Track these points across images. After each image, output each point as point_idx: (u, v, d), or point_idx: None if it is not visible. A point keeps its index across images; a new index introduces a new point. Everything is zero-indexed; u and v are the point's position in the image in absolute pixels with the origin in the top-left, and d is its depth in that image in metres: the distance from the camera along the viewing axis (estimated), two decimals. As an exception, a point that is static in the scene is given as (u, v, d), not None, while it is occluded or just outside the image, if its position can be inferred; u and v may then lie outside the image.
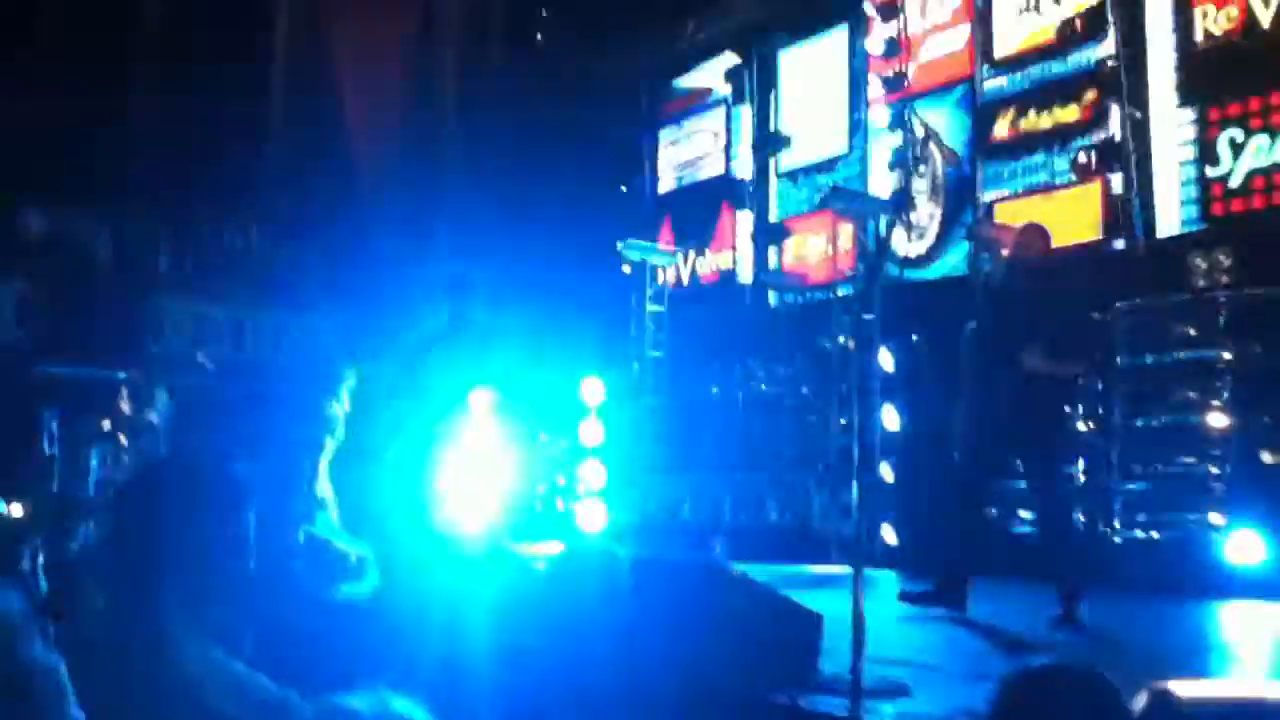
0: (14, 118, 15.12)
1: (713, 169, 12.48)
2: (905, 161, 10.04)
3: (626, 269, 11.28)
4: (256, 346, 11.57)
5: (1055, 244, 8.58)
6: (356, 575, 6.03)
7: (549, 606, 3.95)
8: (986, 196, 9.61)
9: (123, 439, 9.25)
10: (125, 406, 9.34)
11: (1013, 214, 9.19)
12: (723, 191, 12.26)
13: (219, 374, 8.87)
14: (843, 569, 6.62)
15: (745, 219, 11.97)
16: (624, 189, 12.63)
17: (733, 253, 12.05)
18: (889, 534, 7.43)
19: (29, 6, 14.83)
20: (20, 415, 10.62)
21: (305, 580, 5.11)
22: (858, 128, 10.94)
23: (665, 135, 13.13)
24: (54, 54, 15.31)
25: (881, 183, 10.42)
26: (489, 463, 7.25)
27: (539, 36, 13.78)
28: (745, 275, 11.88)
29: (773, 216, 11.77)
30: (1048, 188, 9.14)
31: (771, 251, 11.65)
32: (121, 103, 14.91)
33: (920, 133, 10.06)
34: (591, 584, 4.07)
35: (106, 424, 9.28)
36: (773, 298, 11.50)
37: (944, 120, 10.09)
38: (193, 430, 8.93)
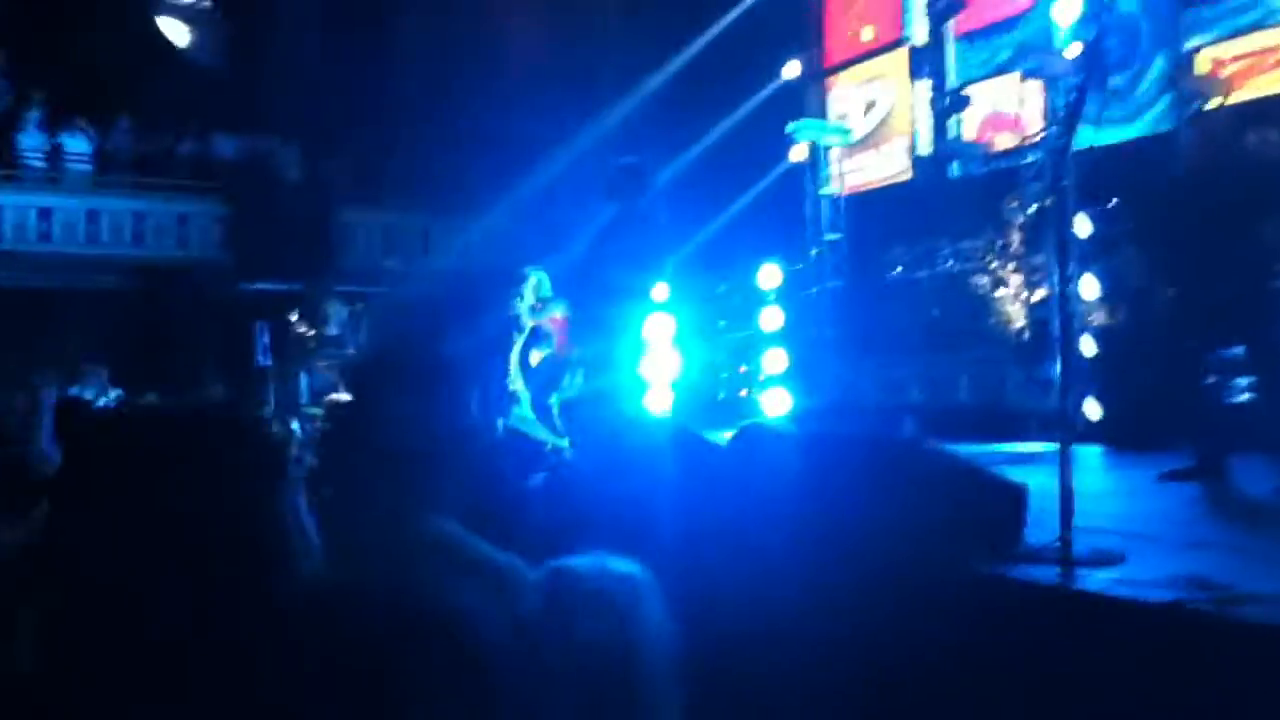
0: (203, 49, 15.86)
1: (885, 37, 11.94)
2: (1096, 13, 9.32)
3: (799, 153, 11.00)
4: (443, 252, 11.93)
5: (1267, 90, 7.99)
6: (551, 463, 6.27)
7: (734, 482, 4.00)
8: (1189, 43, 8.86)
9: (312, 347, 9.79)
10: (310, 318, 9.85)
11: (1217, 60, 8.49)
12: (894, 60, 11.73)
13: (408, 278, 9.21)
14: (1040, 446, 6.42)
15: (923, 88, 11.44)
16: (793, 67, 12.20)
17: (910, 124, 11.57)
18: (1092, 408, 7.12)
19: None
20: (233, 330, 11.38)
21: (505, 469, 5.35)
22: (1038, -22, 10.21)
23: (831, 5, 12.60)
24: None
25: (1067, 39, 9.73)
26: (670, 351, 7.34)
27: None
28: (924, 147, 11.41)
29: (951, 83, 11.20)
30: (1256, 28, 8.35)
31: (950, 120, 11.12)
32: (302, 34, 15.42)
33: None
34: (774, 459, 4.10)
35: (305, 332, 9.83)
36: (955, 168, 11.02)
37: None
38: (390, 332, 9.37)
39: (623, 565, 1.73)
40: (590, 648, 1.64)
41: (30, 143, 13.11)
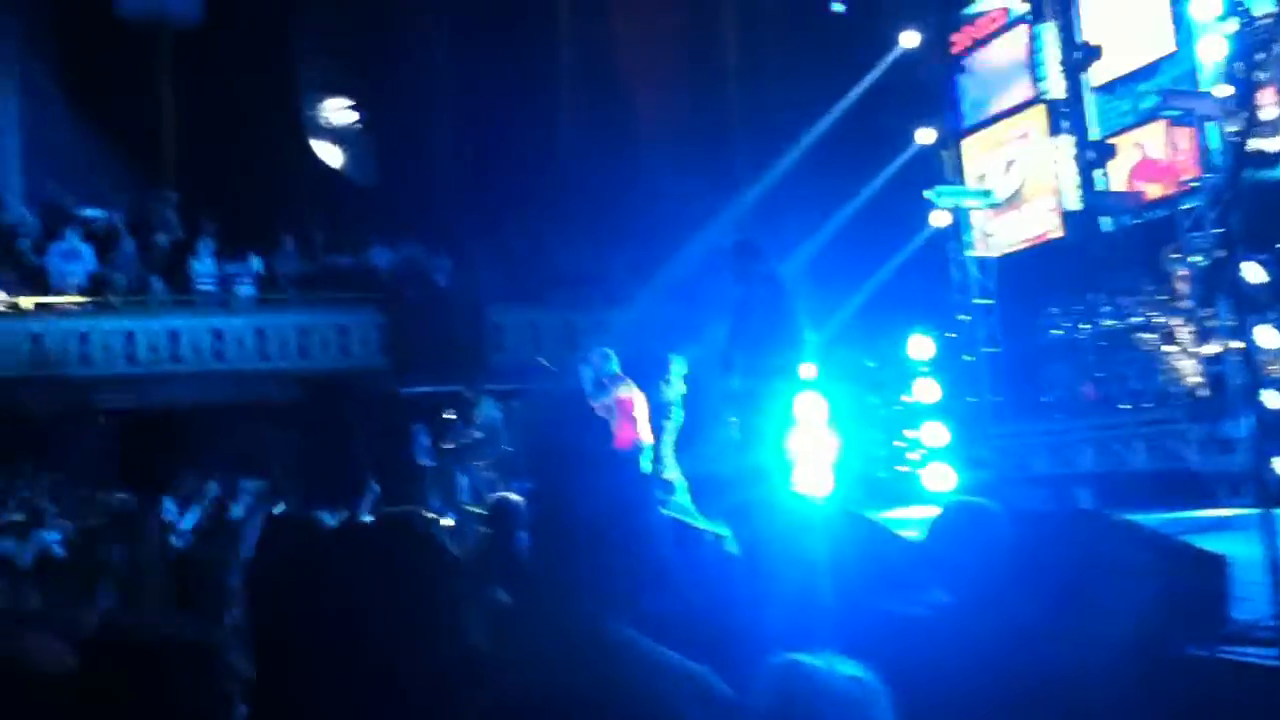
0: (354, 166, 16.77)
1: (1020, 95, 11.74)
2: (1247, 48, 8.96)
3: (940, 218, 10.83)
4: (588, 344, 12.10)
5: None
6: (715, 554, 6.20)
7: (932, 570, 3.85)
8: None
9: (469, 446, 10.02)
10: (465, 418, 10.11)
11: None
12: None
13: (559, 373, 9.38)
14: (1229, 511, 6.03)
15: (1065, 143, 11.17)
16: (926, 133, 12.10)
17: (1054, 180, 11.28)
18: (1283, 466, 6.66)
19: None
20: (393, 433, 11.79)
21: (671, 563, 5.31)
22: (1179, 22, 9.90)
23: (962, 67, 12.48)
24: (373, 104, 16.83)
25: (1214, 79, 9.37)
26: (823, 432, 7.22)
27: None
28: (1072, 202, 11.10)
29: (1093, 135, 10.90)
30: None
31: (1097, 173, 10.80)
32: (447, 143, 16.18)
33: (1270, 8, 8.94)
34: (974, 543, 3.93)
35: (462, 432, 10.09)
36: (1106, 222, 10.66)
37: (1285, -2, 8.92)
38: (542, 429, 9.55)
39: (852, 667, 1.70)
40: None
41: (202, 269, 14.01)
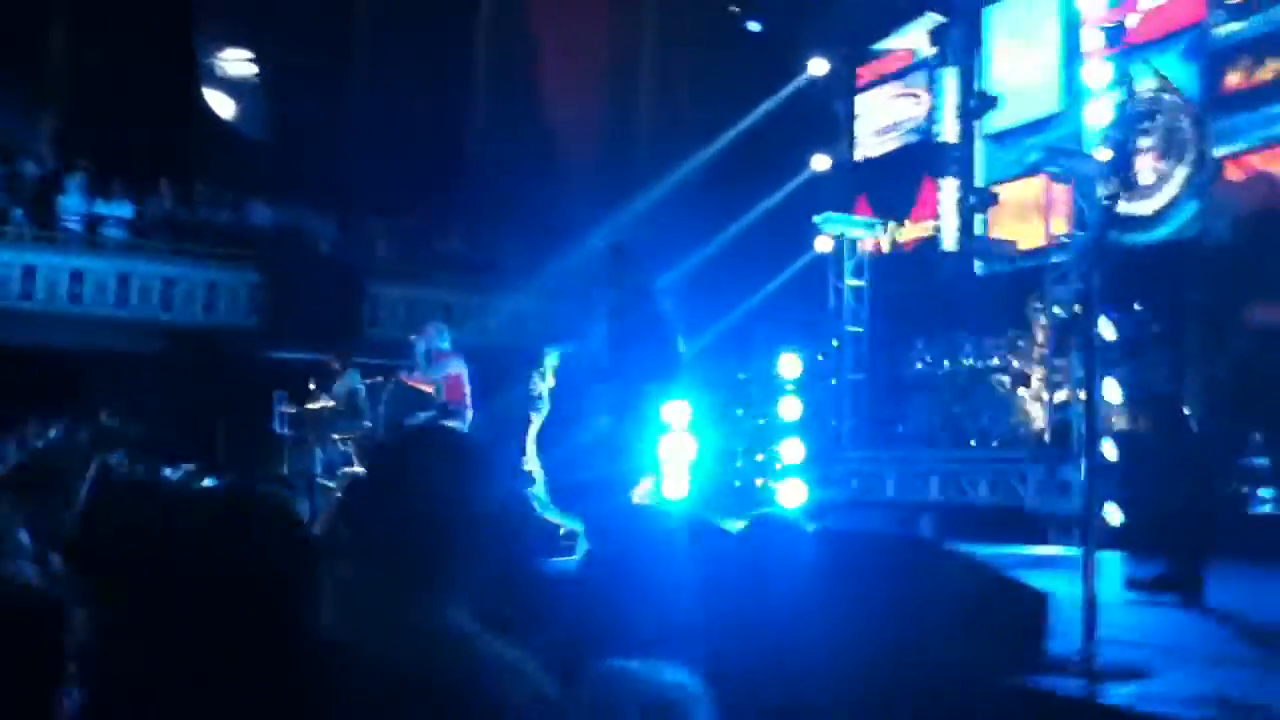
0: (247, 120, 16.25)
1: (914, 135, 12.07)
2: (1130, 117, 9.39)
3: (823, 244, 11.06)
4: (466, 328, 11.98)
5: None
6: (567, 548, 6.19)
7: (744, 575, 3.90)
8: (1218, 152, 8.90)
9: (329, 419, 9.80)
10: (328, 390, 9.89)
11: (1247, 170, 8.52)
12: (924, 158, 11.83)
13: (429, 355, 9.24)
14: (1059, 550, 6.30)
15: (950, 185, 11.52)
16: (820, 160, 12.35)
17: (935, 221, 11.63)
18: (1113, 514, 7.00)
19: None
20: (253, 397, 11.43)
21: (520, 553, 5.27)
22: (1070, 85, 10.33)
23: (863, 102, 12.78)
24: (276, 61, 16.36)
25: (1097, 141, 9.80)
26: (686, 439, 7.28)
27: (732, 6, 13.64)
28: (949, 244, 11.45)
29: (978, 181, 11.28)
30: (1287, 140, 8.39)
31: (977, 219, 11.17)
32: (343, 109, 15.80)
33: (1153, 84, 9.40)
34: (783, 557, 4.00)
35: (323, 404, 9.84)
36: (979, 267, 11.04)
37: (1168, 71, 9.41)
38: (405, 407, 9.39)
39: (676, 673, 1.69)
40: None
41: (70, 205, 13.37)
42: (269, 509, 1.79)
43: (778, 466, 9.37)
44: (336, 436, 9.59)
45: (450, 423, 8.46)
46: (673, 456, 7.01)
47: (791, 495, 9.09)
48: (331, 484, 8.93)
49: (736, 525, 4.60)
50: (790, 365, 9.60)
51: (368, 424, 9.59)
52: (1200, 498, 5.02)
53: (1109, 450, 6.91)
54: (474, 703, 1.72)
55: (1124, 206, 9.18)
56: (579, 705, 1.72)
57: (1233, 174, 8.58)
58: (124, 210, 13.67)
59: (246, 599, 1.59)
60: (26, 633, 1.50)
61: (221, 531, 1.66)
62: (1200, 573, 4.84)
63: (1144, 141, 9.46)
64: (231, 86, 16.55)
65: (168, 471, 8.07)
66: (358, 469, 8.80)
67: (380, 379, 9.84)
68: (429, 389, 8.90)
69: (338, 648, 1.75)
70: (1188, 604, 4.76)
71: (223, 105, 16.45)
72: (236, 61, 16.63)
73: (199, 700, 1.49)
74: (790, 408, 9.44)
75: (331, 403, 9.72)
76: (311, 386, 9.99)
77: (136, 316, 13.24)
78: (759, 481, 9.64)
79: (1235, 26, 8.90)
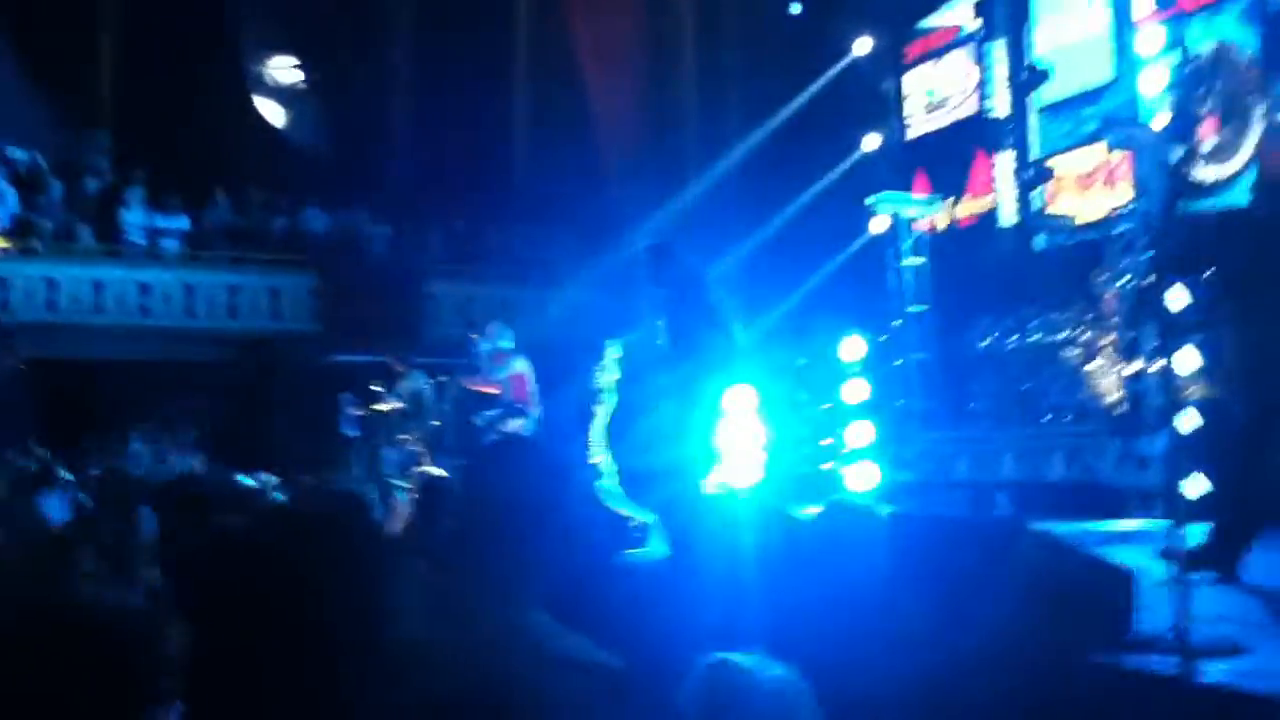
0: (297, 127, 16.47)
1: (966, 110, 11.93)
2: (1187, 80, 9.20)
3: (879, 224, 10.97)
4: (520, 324, 12.07)
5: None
6: (639, 540, 6.21)
7: (819, 564, 3.90)
8: (1280, 117, 8.68)
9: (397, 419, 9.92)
10: (393, 390, 10.02)
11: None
12: (978, 133, 11.70)
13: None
14: (1139, 524, 6.20)
15: (1005, 159, 11.37)
16: (872, 140, 12.25)
17: (993, 196, 11.49)
18: (1193, 486, 6.86)
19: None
20: (319, 401, 11.61)
21: (593, 550, 5.31)
22: (1122, 52, 10.14)
23: (912, 79, 12.64)
24: (323, 66, 16.55)
25: (1153, 110, 9.61)
26: (753, 425, 7.27)
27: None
28: (1008, 219, 11.31)
29: (1034, 154, 11.12)
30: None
31: (1034, 192, 11.02)
32: (393, 111, 15.96)
33: (1209, 48, 9.19)
34: (857, 543, 3.99)
35: (389, 406, 9.97)
36: (1040, 240, 10.88)
37: (1225, 35, 9.19)
38: (470, 406, 9.49)
39: (779, 667, 1.72)
40: None
41: (132, 220, 13.65)
42: (351, 514, 1.83)
43: (845, 451, 9.31)
44: (404, 437, 9.72)
45: (516, 420, 8.55)
46: (742, 444, 7.00)
47: (861, 479, 9.04)
48: (403, 483, 9.05)
49: (808, 512, 4.60)
50: (853, 348, 9.54)
51: (434, 423, 9.71)
52: (1246, 469, 4.93)
53: (1186, 421, 6.77)
54: (555, 701, 1.75)
55: (1196, 172, 9.02)
56: (689, 699, 1.75)
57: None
58: (180, 223, 13.93)
59: (335, 604, 1.63)
60: (114, 652, 1.54)
61: (309, 540, 1.70)
62: (1238, 547, 4.69)
63: (1204, 108, 9.26)
64: (280, 94, 16.77)
65: (244, 479, 8.21)
66: (430, 468, 8.91)
67: (444, 378, 9.96)
68: (494, 390, 8.99)
69: (421, 648, 1.78)
70: (1225, 580, 4.62)
71: (273, 112, 16.68)
72: (284, 69, 16.85)
73: (292, 707, 1.53)
74: (855, 390, 9.37)
75: (398, 404, 9.85)
76: (376, 388, 10.13)
77: (204, 326, 13.49)
78: (827, 467, 9.59)
79: (1295, -13, 8.68)
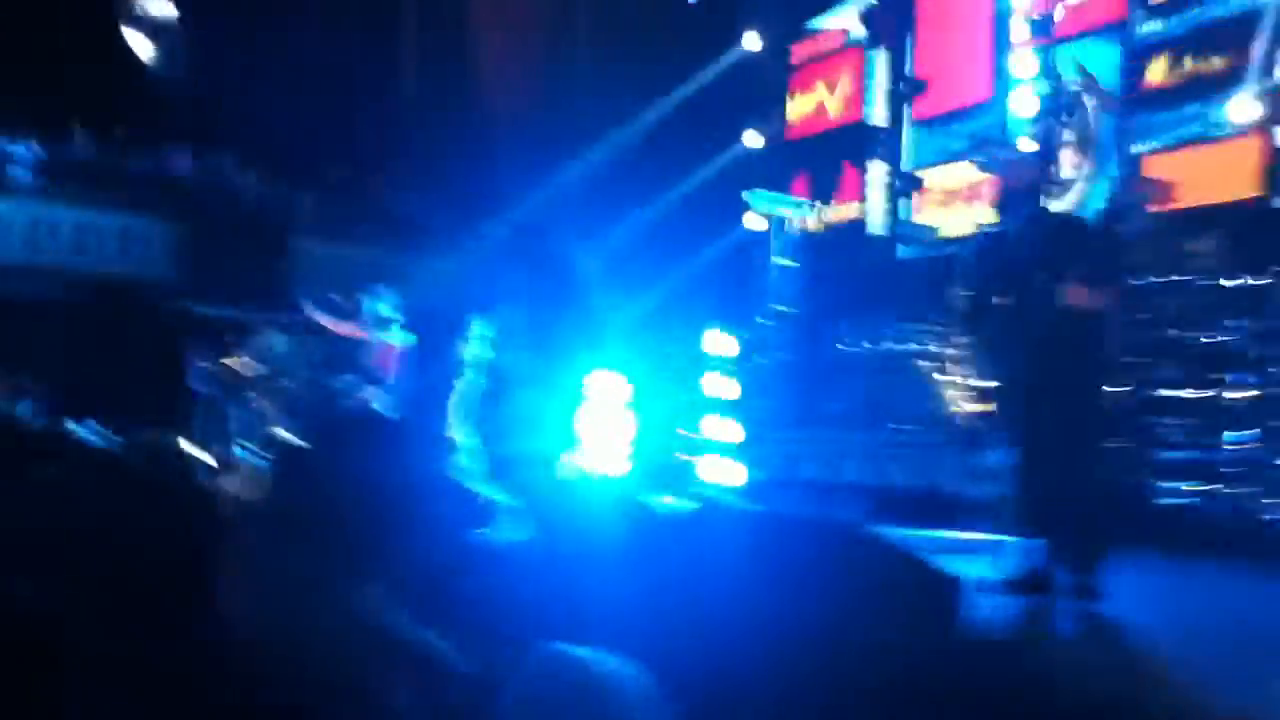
0: (168, 64, 15.72)
1: (845, 117, 12.19)
2: (1055, 110, 9.60)
3: (754, 221, 11.14)
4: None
5: (1208, 198, 8.28)
6: (486, 519, 6.19)
7: (674, 559, 3.96)
8: (1136, 148, 9.16)
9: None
10: (247, 347, 9.74)
11: (1164, 167, 8.79)
12: (855, 139, 11.98)
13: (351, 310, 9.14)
14: (976, 536, 6.47)
15: (877, 169, 11.67)
16: (753, 137, 12.41)
17: (862, 204, 11.78)
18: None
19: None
20: (169, 352, 11.17)
21: (440, 522, 5.26)
22: (999, 74, 10.52)
23: (797, 79, 12.85)
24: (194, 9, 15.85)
25: (1021, 131, 10.01)
26: (616, 415, 7.32)
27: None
28: (875, 227, 11.62)
29: (905, 165, 11.45)
30: (1202, 140, 8.68)
31: (902, 203, 11.35)
32: (263, 57, 15.35)
33: (1077, 78, 9.60)
34: (716, 538, 4.07)
35: (240, 363, 9.68)
36: (902, 250, 11.23)
37: (1092, 66, 9.63)
38: (328, 369, 9.28)
39: (616, 659, 1.71)
40: None
41: (-24, 146, 12.85)
42: (175, 470, 1.78)
43: (701, 443, 9.46)
44: (253, 396, 9.44)
45: (370, 389, 8.40)
46: (606, 431, 7.05)
47: (715, 473, 9.19)
48: (249, 445, 8.80)
49: (666, 502, 4.65)
50: (716, 342, 9.68)
51: (287, 384, 9.45)
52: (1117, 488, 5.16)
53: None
54: (383, 688, 1.73)
55: (1044, 200, 9.40)
56: (518, 685, 1.73)
57: (1152, 171, 8.85)
58: (30, 151, 13.18)
59: (150, 561, 1.58)
60: None
61: (125, 493, 1.65)
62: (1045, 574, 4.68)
63: (1065, 135, 9.68)
64: (152, 27, 15.97)
65: (75, 428, 7.85)
66: (279, 431, 8.68)
67: (302, 338, 9.70)
68: (356, 334, 8.80)
69: (249, 623, 1.74)
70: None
71: (142, 47, 15.88)
72: (156, 1, 16.06)
73: (99, 668, 1.48)
74: (715, 385, 9.52)
75: (251, 361, 9.56)
76: (230, 343, 9.82)
77: (47, 263, 12.80)
78: (684, 458, 9.73)
79: (1156, 25, 9.15)
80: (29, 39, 13.16)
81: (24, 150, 13.02)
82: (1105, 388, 4.90)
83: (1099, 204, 9.09)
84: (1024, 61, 9.99)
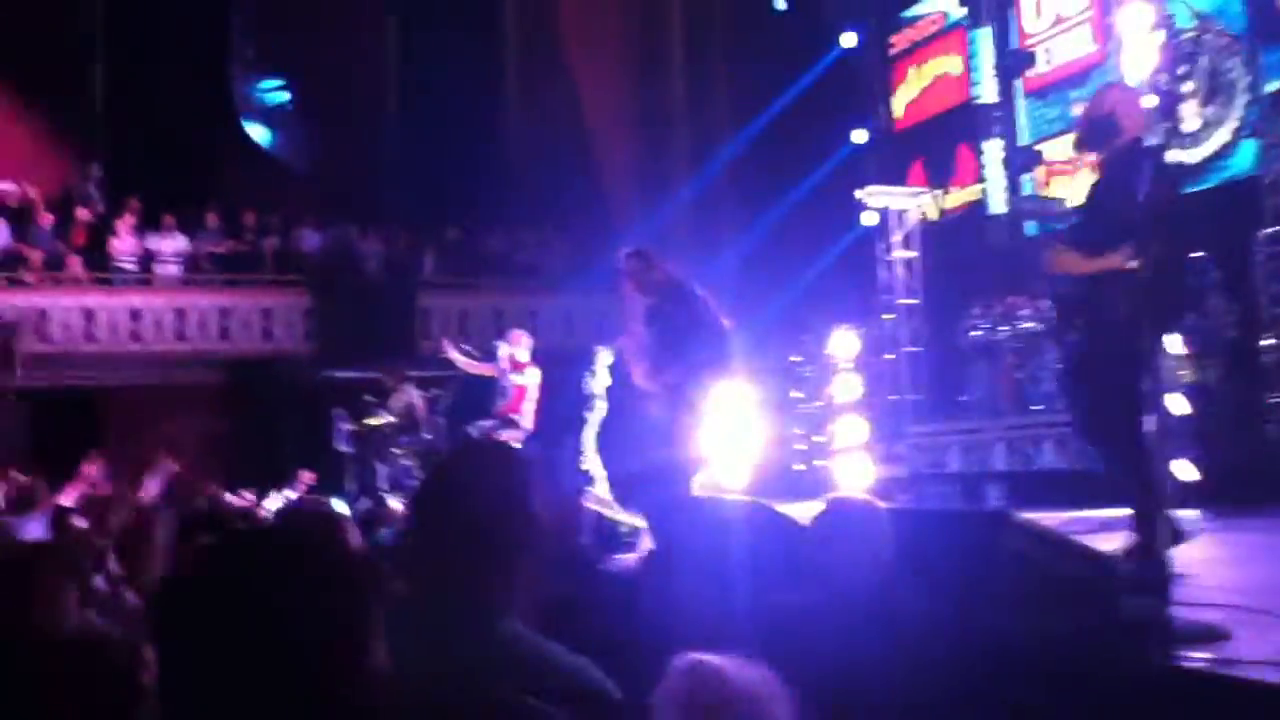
0: (286, 147, 16.48)
1: (953, 98, 11.87)
2: (1171, 61, 9.11)
3: (870, 218, 10.91)
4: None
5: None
6: (631, 546, 6.17)
7: (811, 563, 3.84)
8: (1269, 87, 8.60)
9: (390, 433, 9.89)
10: (386, 405, 9.99)
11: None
12: (964, 121, 11.63)
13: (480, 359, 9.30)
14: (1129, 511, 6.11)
15: (993, 147, 11.30)
16: (861, 134, 12.21)
17: (981, 185, 11.42)
18: (1184, 470, 6.79)
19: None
20: (314, 419, 11.60)
21: (586, 552, 5.26)
22: (1108, 31, 10.06)
23: (899, 70, 12.59)
24: (309, 86, 16.56)
25: (1140, 88, 9.53)
26: (743, 425, 7.21)
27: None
28: (998, 207, 11.24)
29: (1022, 140, 11.05)
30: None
31: (1024, 179, 10.94)
32: (375, 124, 15.95)
33: (1193, 24, 9.11)
34: (855, 540, 3.93)
35: (382, 421, 9.94)
36: (1031, 227, 10.80)
37: (1209, 8, 9.12)
38: (464, 417, 9.46)
39: (757, 669, 1.69)
40: None
41: (122, 247, 13.66)
42: (321, 532, 1.78)
43: (836, 448, 9.25)
44: (397, 451, 9.69)
45: (507, 433, 8.51)
46: (734, 444, 6.96)
47: (854, 476, 8.97)
48: (397, 498, 9.02)
49: (799, 512, 4.54)
50: (844, 343, 9.48)
51: (428, 436, 9.67)
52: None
53: (1174, 404, 6.70)
54: (532, 709, 1.70)
55: (1173, 155, 8.93)
56: (663, 700, 1.71)
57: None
58: (178, 241, 13.94)
59: (303, 627, 1.58)
60: (91, 677, 1.50)
61: (272, 559, 1.65)
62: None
63: (1186, 86, 9.18)
64: (267, 114, 16.79)
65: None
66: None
67: (438, 392, 9.93)
68: (489, 372, 8.94)
69: (395, 668, 1.73)
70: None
71: (261, 134, 16.70)
72: (270, 90, 16.87)
73: None
74: (846, 386, 9.32)
75: (391, 418, 9.82)
76: (369, 402, 10.11)
77: (196, 348, 13.49)
78: (819, 464, 9.54)
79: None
80: (156, 139, 13.97)
81: (168, 241, 13.78)
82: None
83: (1248, 161, 8.59)
84: (1134, 15, 9.53)
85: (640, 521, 6.83)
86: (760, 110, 13.03)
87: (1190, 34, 9.18)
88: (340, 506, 6.59)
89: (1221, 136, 9.02)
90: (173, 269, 13.80)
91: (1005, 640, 3.27)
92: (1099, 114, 4.54)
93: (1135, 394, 4.32)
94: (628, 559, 5.78)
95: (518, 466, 2.03)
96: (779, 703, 1.70)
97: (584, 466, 7.58)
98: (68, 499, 5.26)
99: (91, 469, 5.65)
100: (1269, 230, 7.27)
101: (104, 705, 1.68)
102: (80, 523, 4.46)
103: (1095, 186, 4.63)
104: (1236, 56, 8.93)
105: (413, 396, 10.10)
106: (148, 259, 13.74)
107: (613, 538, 6.41)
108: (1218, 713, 2.80)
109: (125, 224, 13.75)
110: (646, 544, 5.82)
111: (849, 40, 12.31)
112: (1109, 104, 4.55)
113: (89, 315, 13.05)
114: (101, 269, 13.52)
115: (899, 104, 12.52)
